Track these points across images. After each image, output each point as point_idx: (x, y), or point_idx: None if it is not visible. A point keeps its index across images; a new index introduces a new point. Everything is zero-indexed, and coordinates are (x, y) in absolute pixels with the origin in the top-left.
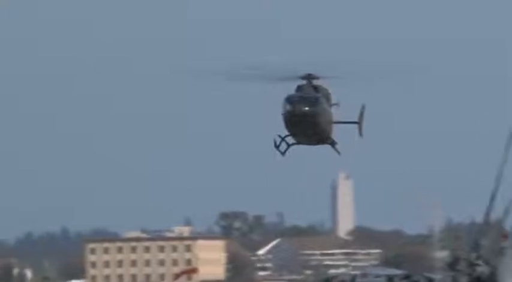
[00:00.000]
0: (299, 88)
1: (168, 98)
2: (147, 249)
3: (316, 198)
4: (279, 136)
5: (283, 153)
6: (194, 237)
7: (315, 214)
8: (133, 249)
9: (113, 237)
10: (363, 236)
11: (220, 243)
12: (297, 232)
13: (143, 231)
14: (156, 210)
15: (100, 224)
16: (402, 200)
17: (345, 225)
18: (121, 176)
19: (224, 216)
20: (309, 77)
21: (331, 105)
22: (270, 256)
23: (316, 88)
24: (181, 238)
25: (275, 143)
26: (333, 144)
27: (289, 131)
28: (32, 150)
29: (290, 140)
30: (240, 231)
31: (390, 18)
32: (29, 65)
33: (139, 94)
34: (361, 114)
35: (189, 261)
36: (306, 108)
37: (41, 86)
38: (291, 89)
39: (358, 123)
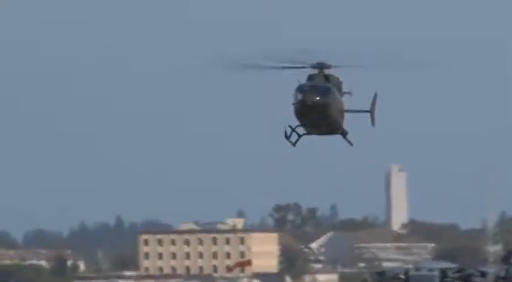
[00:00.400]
0: (310, 77)
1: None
2: (200, 242)
3: (369, 191)
4: (290, 126)
5: (294, 144)
6: (247, 229)
7: (369, 207)
8: (187, 242)
9: (167, 229)
10: (417, 230)
11: (273, 236)
12: (350, 225)
13: (196, 223)
14: (210, 202)
15: (154, 216)
16: (456, 193)
17: (399, 218)
18: (175, 168)
19: (278, 208)
20: (321, 66)
21: (342, 95)
22: (323, 249)
23: (327, 77)
24: (234, 230)
25: (285, 133)
26: (344, 134)
27: (300, 121)
28: (87, 144)
29: (301, 130)
30: (293, 224)
31: (393, 18)
32: (29, 65)
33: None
34: (374, 103)
35: (242, 254)
36: (317, 98)
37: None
38: (302, 78)
39: (371, 112)
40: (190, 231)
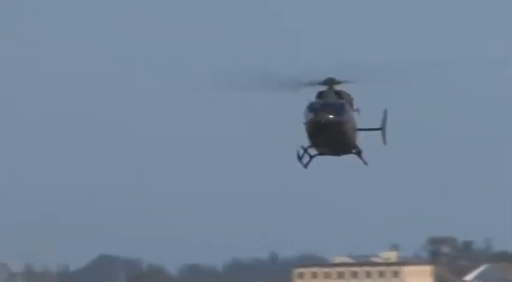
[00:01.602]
0: (320, 95)
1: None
2: (354, 275)
3: None
4: (302, 147)
5: (305, 166)
6: (401, 262)
7: None
8: (341, 275)
9: (321, 262)
10: None
11: (427, 269)
12: (505, 258)
13: (350, 256)
14: (364, 235)
15: (308, 249)
16: None
17: None
18: (323, 201)
19: (432, 241)
20: (331, 82)
21: (354, 112)
22: None
23: (339, 94)
24: (388, 263)
25: (298, 155)
26: (359, 153)
27: (312, 141)
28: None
29: (312, 151)
30: (447, 257)
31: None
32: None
33: None
34: (384, 120)
35: None
36: (331, 117)
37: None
38: (311, 96)
39: (382, 129)
40: (345, 264)
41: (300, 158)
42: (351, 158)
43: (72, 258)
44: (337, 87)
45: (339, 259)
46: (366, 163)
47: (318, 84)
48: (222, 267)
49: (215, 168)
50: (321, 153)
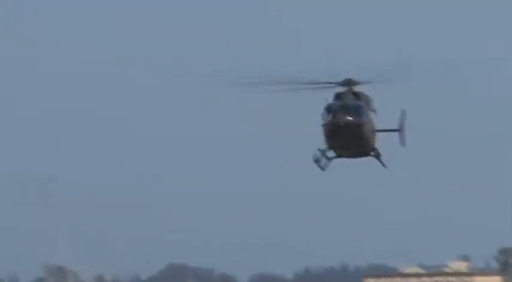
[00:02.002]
0: (338, 96)
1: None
2: None
3: None
4: (319, 150)
5: (323, 169)
6: (472, 273)
7: None
8: None
9: (391, 272)
10: None
11: (498, 279)
12: None
13: (421, 266)
14: (434, 245)
15: (378, 259)
16: None
17: None
18: (397, 209)
19: (503, 251)
20: (349, 83)
21: (372, 113)
22: None
23: (357, 95)
24: (458, 274)
25: (314, 157)
26: (377, 156)
27: (330, 143)
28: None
29: (331, 153)
30: None
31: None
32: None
33: None
34: (402, 121)
35: None
36: (349, 118)
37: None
38: (329, 97)
39: (400, 131)
40: (415, 275)
41: (316, 161)
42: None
43: (143, 266)
44: (356, 89)
45: (409, 269)
46: (385, 166)
47: (336, 85)
48: (293, 277)
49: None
50: (339, 156)
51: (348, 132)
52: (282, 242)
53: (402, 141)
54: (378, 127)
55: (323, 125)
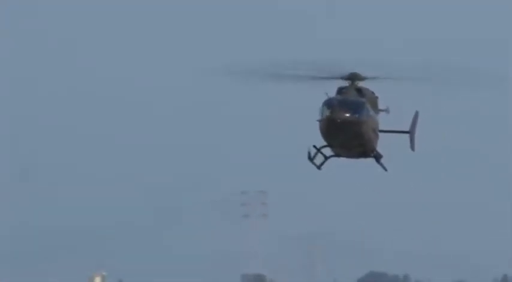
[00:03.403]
0: (340, 90)
1: None
2: None
3: None
4: (314, 147)
5: (319, 167)
6: None
7: None
8: None
9: None
10: None
11: None
12: None
13: None
14: None
15: None
16: None
17: None
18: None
19: None
20: (354, 78)
21: (378, 112)
22: None
23: (360, 91)
24: None
25: (309, 154)
26: (377, 157)
27: (326, 140)
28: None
29: (328, 151)
30: None
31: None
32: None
33: None
34: (414, 123)
35: None
36: (348, 115)
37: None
38: (331, 91)
39: (410, 133)
40: None
41: (310, 158)
42: None
43: (343, 274)
44: (361, 84)
45: None
46: (385, 169)
47: (340, 78)
48: None
49: None
50: (337, 155)
51: (346, 130)
52: (480, 251)
53: (412, 145)
54: (389, 127)
55: (319, 121)
